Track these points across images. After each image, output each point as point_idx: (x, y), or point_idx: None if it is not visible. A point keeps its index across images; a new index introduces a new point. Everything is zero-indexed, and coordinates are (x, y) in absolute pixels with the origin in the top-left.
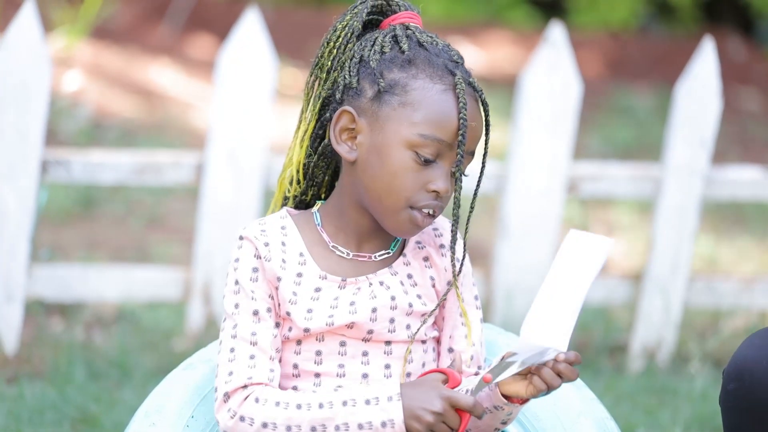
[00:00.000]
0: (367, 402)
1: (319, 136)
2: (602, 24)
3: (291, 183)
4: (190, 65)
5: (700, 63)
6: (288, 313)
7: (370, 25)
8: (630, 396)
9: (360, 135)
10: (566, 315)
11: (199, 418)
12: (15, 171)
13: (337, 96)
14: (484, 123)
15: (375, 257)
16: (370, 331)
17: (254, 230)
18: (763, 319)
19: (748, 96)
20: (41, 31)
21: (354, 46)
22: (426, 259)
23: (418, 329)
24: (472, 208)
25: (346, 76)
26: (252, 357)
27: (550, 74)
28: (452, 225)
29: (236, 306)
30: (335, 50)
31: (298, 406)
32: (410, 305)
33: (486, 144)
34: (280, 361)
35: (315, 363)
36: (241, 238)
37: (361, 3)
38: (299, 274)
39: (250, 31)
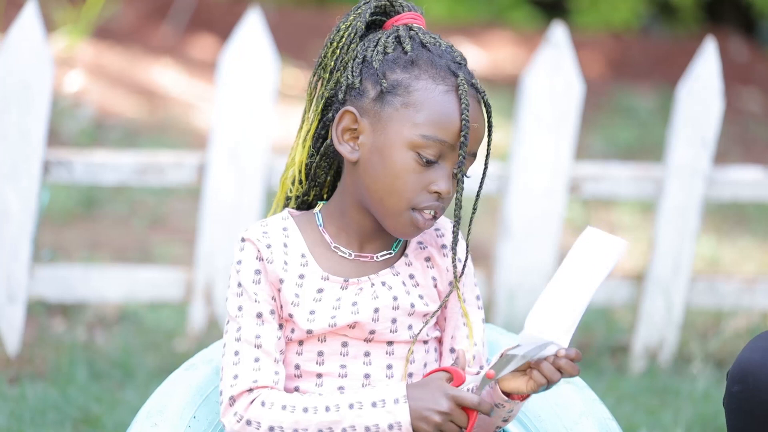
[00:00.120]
0: (374, 404)
1: (321, 136)
2: (604, 24)
3: (293, 183)
4: (192, 65)
5: (701, 63)
6: (290, 315)
7: (374, 25)
8: (632, 396)
9: (362, 135)
10: (571, 311)
11: (201, 418)
12: (17, 171)
13: (340, 96)
14: (486, 124)
15: (377, 258)
16: (372, 332)
17: (256, 232)
18: (765, 319)
19: (750, 96)
20: (43, 31)
21: (357, 46)
22: (428, 259)
23: (421, 330)
24: (474, 209)
25: (349, 77)
26: (257, 360)
27: (552, 75)
28: (453, 226)
29: (239, 308)
30: (338, 50)
31: (305, 410)
32: (412, 305)
33: (488, 145)
34: (283, 362)
35: (317, 363)
36: (243, 240)
37: (364, 3)
38: (301, 276)
39: (252, 31)
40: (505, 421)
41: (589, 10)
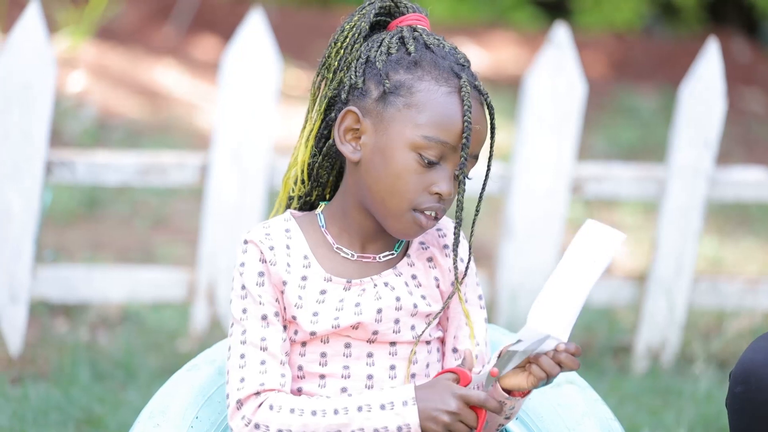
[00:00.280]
0: (382, 407)
1: (324, 136)
2: (606, 25)
3: (296, 183)
4: (194, 66)
5: (704, 64)
6: (294, 317)
7: (378, 26)
8: (634, 397)
9: (364, 135)
10: (570, 305)
11: (203, 419)
12: (19, 172)
13: (343, 96)
14: (489, 126)
15: (379, 258)
16: (375, 332)
17: (259, 234)
18: None
19: (753, 97)
20: (46, 31)
21: (361, 46)
22: (430, 259)
23: (424, 330)
24: (477, 210)
25: (352, 77)
26: (263, 362)
27: (555, 75)
28: (455, 228)
29: (244, 311)
30: (342, 50)
31: (314, 413)
32: (415, 306)
33: (491, 147)
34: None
35: (320, 365)
36: (245, 242)
37: (369, 4)
38: (304, 277)
39: (255, 32)
40: (507, 418)
41: (591, 10)
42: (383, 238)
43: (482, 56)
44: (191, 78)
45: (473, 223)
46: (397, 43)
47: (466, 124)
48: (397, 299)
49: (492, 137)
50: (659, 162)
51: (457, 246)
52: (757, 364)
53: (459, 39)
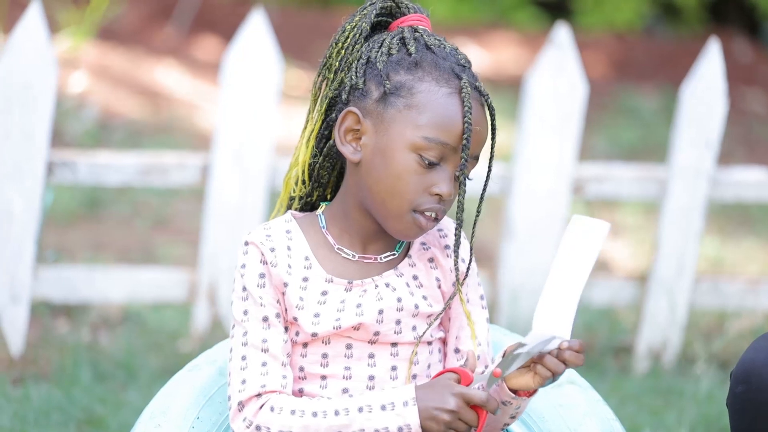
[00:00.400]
0: (383, 408)
1: (324, 136)
2: (608, 25)
3: (296, 183)
4: (195, 66)
5: (705, 64)
6: (295, 319)
7: (379, 26)
8: (635, 397)
9: (365, 136)
10: (568, 303)
11: (204, 419)
12: (21, 172)
13: (344, 97)
14: (489, 127)
15: (380, 259)
16: (377, 333)
17: (259, 235)
18: None
19: (754, 97)
20: (47, 32)
21: (362, 47)
22: (431, 260)
23: (425, 331)
24: (478, 212)
25: (353, 77)
26: (264, 364)
27: (556, 76)
28: (456, 229)
29: (245, 313)
30: (343, 51)
31: (314, 414)
32: (416, 306)
33: (492, 148)
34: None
35: (321, 366)
36: (246, 243)
37: (370, 4)
38: (305, 279)
39: (256, 32)
40: (513, 418)
41: (592, 10)
42: (384, 238)
43: (483, 57)
44: (192, 78)
45: (474, 223)
46: (397, 44)
47: (466, 125)
48: (399, 300)
49: (493, 138)
50: (660, 162)
51: (458, 247)
52: (758, 364)
53: (460, 39)
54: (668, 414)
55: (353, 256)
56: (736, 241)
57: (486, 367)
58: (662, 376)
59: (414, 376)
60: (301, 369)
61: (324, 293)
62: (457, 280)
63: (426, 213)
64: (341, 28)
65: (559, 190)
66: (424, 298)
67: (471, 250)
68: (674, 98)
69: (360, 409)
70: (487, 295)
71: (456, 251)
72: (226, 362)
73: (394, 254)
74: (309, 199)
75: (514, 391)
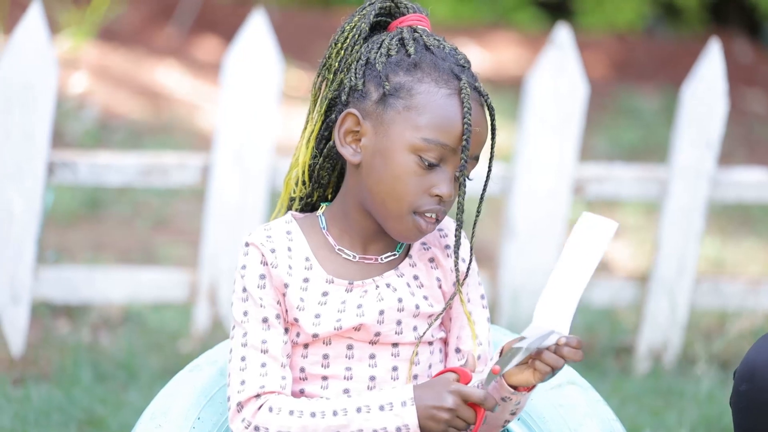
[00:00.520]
0: (381, 408)
1: (324, 137)
2: (608, 26)
3: (297, 184)
4: (196, 67)
5: (706, 65)
6: (296, 320)
7: (378, 27)
8: (636, 397)
9: (364, 138)
10: (570, 299)
11: (205, 419)
12: (21, 172)
13: (343, 98)
14: (489, 128)
15: (381, 259)
16: (378, 334)
17: (260, 236)
18: None
19: (755, 97)
20: (48, 32)
21: (361, 47)
22: (432, 260)
23: (426, 331)
24: (478, 212)
25: (352, 78)
26: (263, 365)
27: (557, 76)
28: (456, 230)
29: (245, 314)
30: (342, 51)
31: (312, 414)
32: (417, 307)
33: (492, 148)
34: (289, 366)
35: (322, 366)
36: (246, 244)
37: (369, 4)
38: (306, 279)
39: (257, 32)
40: (513, 414)
41: (593, 11)
42: (385, 239)
43: (484, 57)
44: (193, 79)
45: (474, 223)
46: (396, 45)
47: (465, 126)
48: (399, 300)
49: (492, 138)
50: (661, 163)
51: (458, 248)
52: (761, 362)
53: (460, 40)
54: (669, 414)
55: (354, 256)
56: (736, 241)
57: (486, 366)
58: (663, 376)
59: (415, 377)
60: (302, 370)
61: (325, 294)
62: (457, 280)
63: (426, 214)
64: (340, 29)
65: (559, 190)
66: (425, 298)
67: (471, 249)
68: (675, 98)
69: (358, 410)
70: (488, 296)
71: (456, 252)
72: (227, 363)
73: (394, 254)
74: (309, 199)
75: (514, 387)
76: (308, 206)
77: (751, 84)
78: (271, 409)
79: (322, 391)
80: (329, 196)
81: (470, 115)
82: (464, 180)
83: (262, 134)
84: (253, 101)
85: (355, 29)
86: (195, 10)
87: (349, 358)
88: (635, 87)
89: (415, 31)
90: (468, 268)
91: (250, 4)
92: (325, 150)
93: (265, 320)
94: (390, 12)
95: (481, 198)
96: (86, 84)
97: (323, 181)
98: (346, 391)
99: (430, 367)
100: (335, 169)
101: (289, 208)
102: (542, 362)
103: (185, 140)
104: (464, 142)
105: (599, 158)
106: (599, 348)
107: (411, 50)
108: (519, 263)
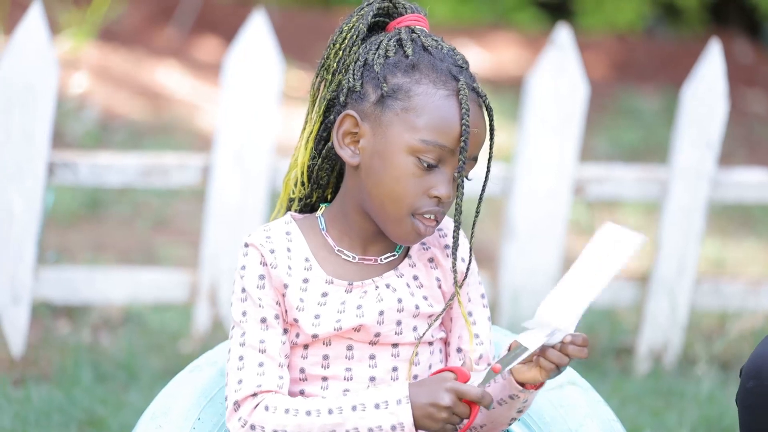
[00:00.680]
0: (377, 406)
1: (323, 138)
2: (609, 26)
3: (296, 184)
4: (196, 67)
5: (706, 65)
6: (295, 320)
7: (377, 27)
8: (636, 398)
9: (363, 139)
10: (579, 300)
11: (205, 420)
12: (22, 173)
13: (341, 99)
14: (488, 128)
15: (381, 260)
16: (378, 334)
17: (259, 237)
18: None
19: (755, 98)
20: (48, 33)
21: (359, 48)
22: (431, 260)
23: (426, 331)
24: (477, 212)
25: (350, 80)
26: (261, 365)
27: (557, 76)
28: (454, 231)
29: (244, 314)
30: (341, 52)
31: (308, 413)
32: (417, 307)
33: (491, 149)
34: (288, 366)
35: (322, 367)
36: (246, 245)
37: (367, 5)
38: (305, 280)
39: (257, 33)
40: (520, 411)
41: (593, 11)
42: (384, 240)
43: (484, 57)
44: (193, 79)
45: (473, 223)
46: (394, 46)
47: (464, 127)
48: (399, 301)
49: (491, 139)
50: (661, 163)
51: (456, 249)
52: None
53: (460, 40)
54: (669, 415)
55: (353, 257)
56: (737, 241)
57: (488, 365)
58: (663, 377)
59: (415, 377)
60: (302, 370)
61: (324, 294)
62: (455, 282)
63: (425, 216)
64: (338, 29)
65: (559, 190)
66: (425, 298)
67: (470, 249)
68: (675, 99)
69: (353, 408)
70: (488, 296)
71: (454, 253)
72: (226, 363)
73: (394, 255)
74: (308, 200)
75: (522, 385)
76: (307, 207)
77: (752, 84)
78: (267, 408)
79: (322, 392)
80: (328, 197)
81: (468, 116)
82: (462, 181)
83: (262, 135)
84: (253, 102)
85: (353, 30)
86: (195, 10)
87: (349, 359)
88: (635, 87)
89: (413, 31)
90: (468, 268)
91: (250, 4)
92: (324, 151)
93: (263, 320)
94: (388, 12)
95: (480, 198)
96: (86, 84)
97: (322, 182)
98: (346, 391)
99: (430, 367)
100: (334, 170)
101: (289, 209)
102: (547, 360)
103: (185, 141)
104: (462, 144)
105: (599, 159)
106: (599, 348)
107: (409, 51)
108: (519, 263)
